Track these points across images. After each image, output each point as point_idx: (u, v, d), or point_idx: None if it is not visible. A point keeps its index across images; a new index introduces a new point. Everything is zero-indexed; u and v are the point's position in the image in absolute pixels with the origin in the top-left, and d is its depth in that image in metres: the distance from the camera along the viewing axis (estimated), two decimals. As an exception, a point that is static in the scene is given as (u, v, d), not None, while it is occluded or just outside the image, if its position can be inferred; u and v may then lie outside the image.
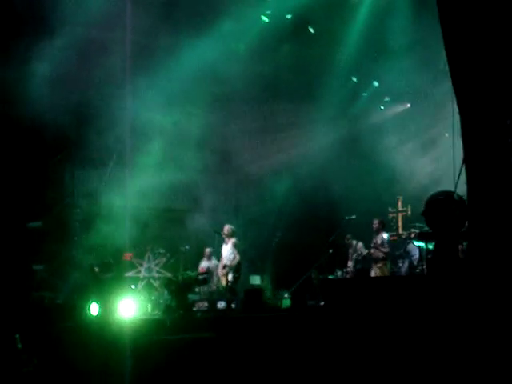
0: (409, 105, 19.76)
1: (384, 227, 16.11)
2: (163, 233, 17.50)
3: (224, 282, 15.74)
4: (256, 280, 17.01)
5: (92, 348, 10.84)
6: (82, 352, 10.73)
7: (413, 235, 15.73)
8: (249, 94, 18.30)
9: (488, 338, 7.13)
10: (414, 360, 7.70)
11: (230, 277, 15.56)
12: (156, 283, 16.23)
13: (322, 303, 12.60)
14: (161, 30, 17.17)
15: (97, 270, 15.14)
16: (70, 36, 15.80)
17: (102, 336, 11.23)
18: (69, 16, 15.80)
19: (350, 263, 16.68)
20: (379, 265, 15.71)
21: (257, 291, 14.09)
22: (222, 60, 17.19)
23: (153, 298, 15.72)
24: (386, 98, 20.01)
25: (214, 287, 16.22)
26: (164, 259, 16.73)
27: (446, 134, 15.97)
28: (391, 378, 7.85)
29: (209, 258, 16.85)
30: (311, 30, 18.68)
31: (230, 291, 15.38)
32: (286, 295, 15.85)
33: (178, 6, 17.39)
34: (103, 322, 12.12)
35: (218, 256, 16.35)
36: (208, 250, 16.91)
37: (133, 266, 16.45)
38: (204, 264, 16.80)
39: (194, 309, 13.77)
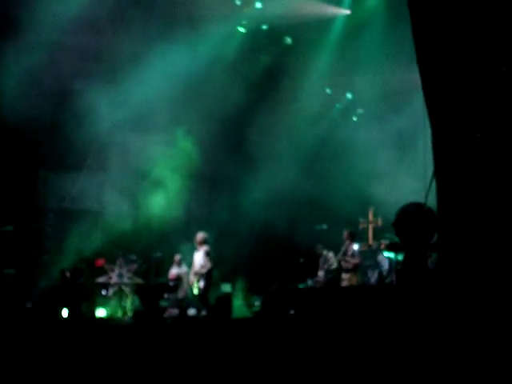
0: (381, 116, 19.82)
1: (354, 238, 16.15)
2: (135, 239, 17.42)
3: (195, 290, 15.74)
4: (227, 288, 17.00)
5: (60, 354, 10.75)
6: (49, 358, 10.63)
7: (383, 246, 15.82)
8: (223, 100, 18.29)
9: (457, 348, 7.02)
10: (381, 368, 7.70)
11: (201, 284, 15.55)
12: (127, 289, 16.19)
13: (292, 312, 12.61)
14: (134, 35, 17.16)
15: (68, 275, 15.09)
16: (44, 40, 15.72)
17: (70, 341, 11.14)
18: (43, 20, 15.79)
19: (320, 273, 16.72)
20: (349, 275, 15.75)
21: (227, 298, 14.09)
22: (198, 68, 17.20)
23: (124, 304, 15.68)
24: (359, 110, 20.13)
25: (184, 294, 16.21)
26: (135, 265, 16.69)
27: (417, 146, 16.08)
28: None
29: (179, 265, 16.79)
30: (288, 40, 18.79)
31: (200, 299, 15.36)
32: (256, 303, 15.86)
33: (152, 12, 17.44)
34: (72, 327, 12.04)
35: (190, 263, 16.35)
36: (178, 256, 16.86)
37: (104, 272, 16.42)
38: (174, 271, 16.73)
39: (165, 316, 13.74)
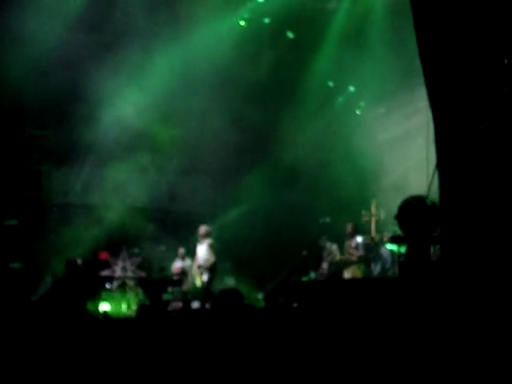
0: (383, 109, 19.83)
1: (357, 231, 16.22)
2: (139, 232, 17.45)
3: (199, 283, 15.74)
4: (230, 281, 17.00)
5: (65, 348, 10.77)
6: (53, 353, 10.66)
7: (385, 239, 15.84)
8: (224, 97, 18.28)
9: (460, 340, 7.04)
10: (384, 361, 7.73)
11: (204, 277, 15.53)
12: (131, 283, 16.20)
13: (295, 305, 12.63)
14: (138, 29, 17.19)
15: (72, 268, 15.13)
16: (49, 36, 15.73)
17: (75, 335, 11.17)
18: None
19: (324, 265, 16.74)
20: (353, 268, 15.81)
21: (231, 292, 14.09)
22: (200, 64, 17.22)
23: (127, 297, 15.69)
24: (362, 103, 20.10)
25: (188, 287, 16.22)
26: (139, 259, 16.71)
27: (420, 140, 16.07)
28: (362, 379, 7.89)
29: (183, 259, 16.79)
30: (290, 35, 18.77)
31: (204, 292, 15.36)
32: (259, 296, 15.87)
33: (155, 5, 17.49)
34: (77, 321, 12.06)
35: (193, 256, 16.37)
36: (181, 250, 16.84)
37: (108, 266, 16.44)
38: (178, 264, 16.69)
39: (169, 309, 13.77)
